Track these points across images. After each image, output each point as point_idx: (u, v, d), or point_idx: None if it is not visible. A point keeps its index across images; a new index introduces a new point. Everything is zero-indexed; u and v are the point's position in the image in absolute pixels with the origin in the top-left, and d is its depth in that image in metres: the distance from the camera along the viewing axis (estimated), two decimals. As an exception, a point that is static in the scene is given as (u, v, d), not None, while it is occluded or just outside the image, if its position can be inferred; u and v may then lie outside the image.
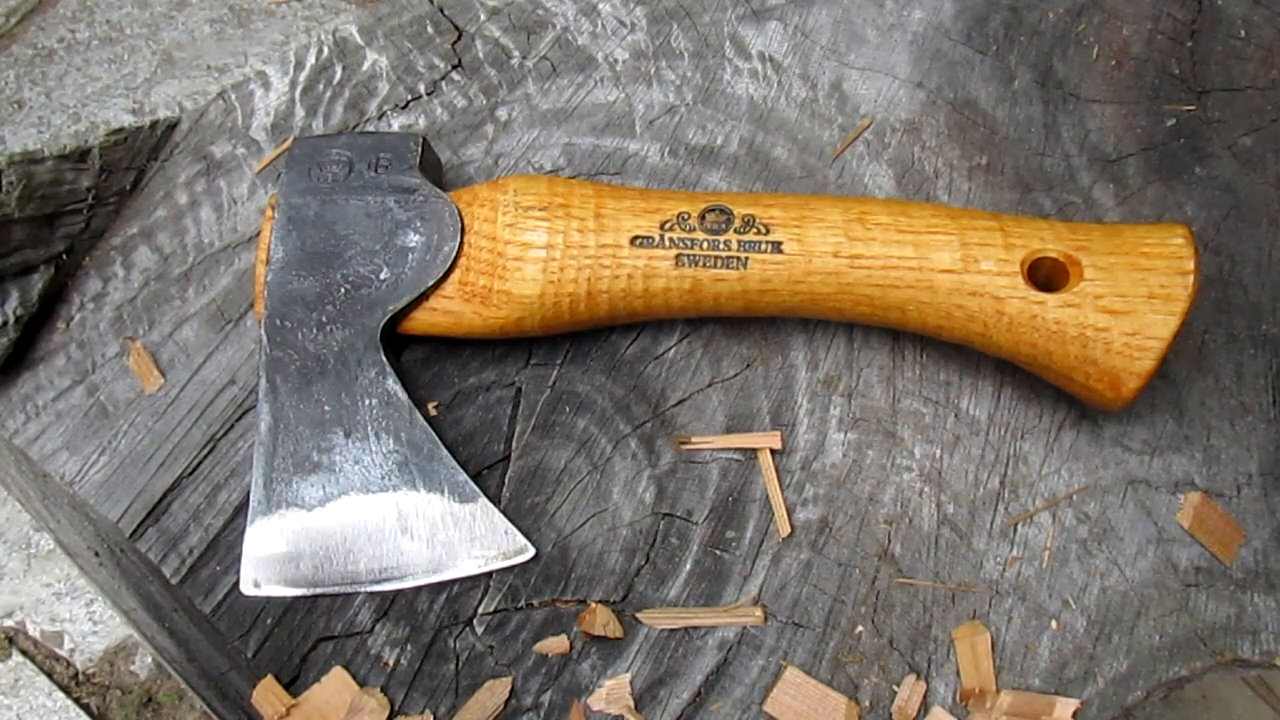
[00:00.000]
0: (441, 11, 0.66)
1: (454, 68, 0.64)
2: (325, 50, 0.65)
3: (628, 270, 0.50)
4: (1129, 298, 0.46)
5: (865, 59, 0.64)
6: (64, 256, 0.57)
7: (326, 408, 0.49)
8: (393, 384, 0.50)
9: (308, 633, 0.49)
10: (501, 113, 0.63)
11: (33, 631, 1.36)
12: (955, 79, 0.64)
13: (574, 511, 0.52)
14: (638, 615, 0.49)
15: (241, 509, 0.51)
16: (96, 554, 0.56)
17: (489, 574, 0.50)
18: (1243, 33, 0.65)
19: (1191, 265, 0.46)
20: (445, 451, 0.49)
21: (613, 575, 0.50)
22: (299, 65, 0.64)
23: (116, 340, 0.56)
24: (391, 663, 0.48)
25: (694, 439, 0.53)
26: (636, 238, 0.50)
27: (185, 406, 0.54)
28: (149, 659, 1.35)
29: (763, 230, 0.50)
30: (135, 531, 0.51)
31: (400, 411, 0.49)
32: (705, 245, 0.50)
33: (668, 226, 0.50)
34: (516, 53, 0.65)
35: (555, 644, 0.49)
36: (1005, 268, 0.48)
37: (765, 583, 0.50)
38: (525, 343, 0.55)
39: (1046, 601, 0.50)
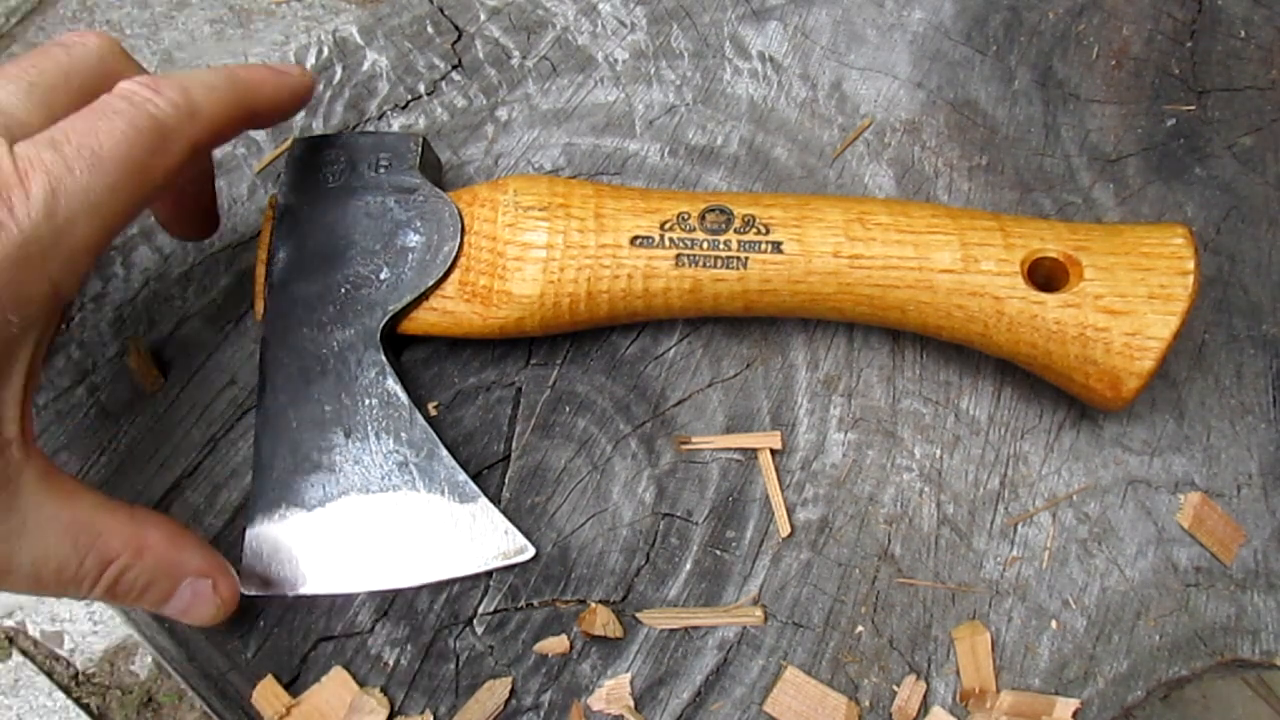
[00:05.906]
0: (441, 11, 0.66)
1: (454, 68, 0.64)
2: (325, 50, 0.65)
3: (628, 270, 0.50)
4: (1129, 298, 0.46)
5: (865, 59, 0.64)
6: (64, 256, 0.57)
7: (326, 408, 0.49)
8: (393, 384, 0.50)
9: (308, 633, 0.49)
10: (501, 113, 0.63)
11: (33, 631, 1.36)
12: (955, 79, 0.64)
13: (574, 511, 0.52)
14: (638, 615, 0.49)
15: (241, 509, 0.52)
16: (96, 554, 0.56)
17: (489, 574, 0.50)
18: (1243, 33, 0.65)
19: (1191, 265, 0.46)
20: (445, 451, 0.49)
21: (613, 575, 0.50)
22: (299, 65, 0.64)
23: (116, 340, 0.56)
24: (391, 663, 0.48)
25: (694, 439, 0.53)
26: (636, 238, 0.50)
27: (185, 406, 0.54)
28: (149, 659, 1.35)
29: (763, 230, 0.50)
30: (135, 531, 0.51)
31: (400, 411, 0.49)
32: (705, 245, 0.50)
33: (668, 226, 0.50)
34: (516, 53, 0.65)
35: (555, 644, 0.49)
36: (1005, 268, 0.48)
37: (765, 583, 0.50)
38: (525, 343, 0.55)
39: (1046, 601, 0.50)
